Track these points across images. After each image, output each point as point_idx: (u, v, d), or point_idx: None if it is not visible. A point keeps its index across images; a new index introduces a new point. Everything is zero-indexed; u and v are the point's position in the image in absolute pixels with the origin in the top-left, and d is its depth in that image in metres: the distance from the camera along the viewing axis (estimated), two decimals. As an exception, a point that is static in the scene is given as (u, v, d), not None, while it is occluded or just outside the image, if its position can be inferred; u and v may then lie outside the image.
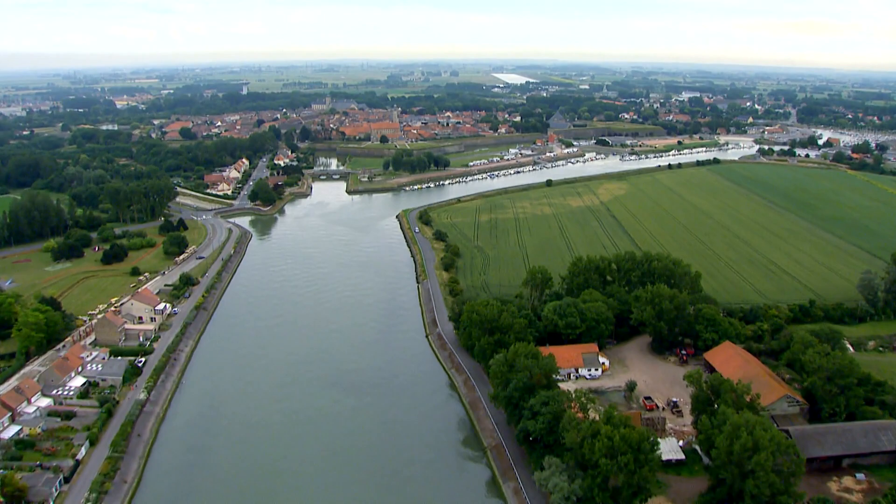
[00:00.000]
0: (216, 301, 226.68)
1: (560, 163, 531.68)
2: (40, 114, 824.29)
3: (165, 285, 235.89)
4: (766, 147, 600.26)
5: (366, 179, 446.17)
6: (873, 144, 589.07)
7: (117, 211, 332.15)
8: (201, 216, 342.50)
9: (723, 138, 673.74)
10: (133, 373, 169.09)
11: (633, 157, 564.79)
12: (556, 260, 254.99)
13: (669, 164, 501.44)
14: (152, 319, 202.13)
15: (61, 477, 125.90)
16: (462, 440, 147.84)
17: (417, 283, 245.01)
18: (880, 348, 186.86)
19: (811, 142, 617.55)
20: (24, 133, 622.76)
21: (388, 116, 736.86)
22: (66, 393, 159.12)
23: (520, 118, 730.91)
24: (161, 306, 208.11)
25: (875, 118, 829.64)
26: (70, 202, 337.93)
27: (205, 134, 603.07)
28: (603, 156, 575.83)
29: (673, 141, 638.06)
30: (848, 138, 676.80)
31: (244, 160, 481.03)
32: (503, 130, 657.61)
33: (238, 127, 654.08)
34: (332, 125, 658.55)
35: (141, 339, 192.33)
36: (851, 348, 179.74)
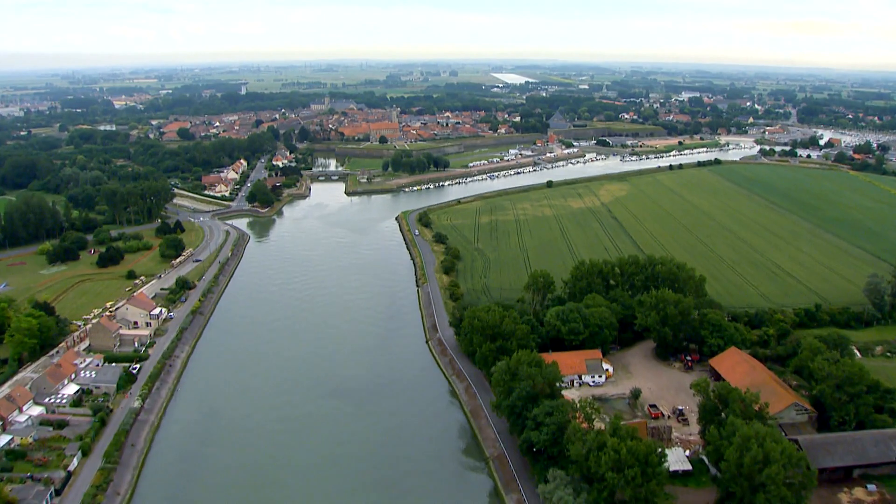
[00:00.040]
0: (213, 305, 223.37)
1: (560, 163, 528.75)
2: (38, 114, 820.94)
3: (161, 289, 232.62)
4: (767, 147, 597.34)
5: (365, 180, 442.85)
6: (875, 145, 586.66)
7: (114, 213, 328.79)
8: (198, 218, 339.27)
9: (723, 139, 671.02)
10: (127, 380, 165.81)
11: (633, 157, 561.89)
12: (557, 262, 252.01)
13: (670, 165, 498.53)
14: (148, 324, 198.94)
15: (52, 489, 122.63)
16: (463, 449, 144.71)
17: (417, 286, 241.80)
18: (888, 354, 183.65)
19: (812, 142, 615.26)
20: (22, 133, 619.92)
21: (388, 117, 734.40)
22: (58, 401, 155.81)
23: (519, 118, 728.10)
24: (157, 311, 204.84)
25: (876, 118, 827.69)
26: (66, 204, 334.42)
27: (203, 134, 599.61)
28: (603, 156, 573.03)
29: (673, 141, 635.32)
30: (849, 139, 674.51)
31: (242, 161, 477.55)
32: (503, 131, 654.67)
33: (236, 127, 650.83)
34: (330, 125, 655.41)
35: (136, 344, 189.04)
36: (859, 354, 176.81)
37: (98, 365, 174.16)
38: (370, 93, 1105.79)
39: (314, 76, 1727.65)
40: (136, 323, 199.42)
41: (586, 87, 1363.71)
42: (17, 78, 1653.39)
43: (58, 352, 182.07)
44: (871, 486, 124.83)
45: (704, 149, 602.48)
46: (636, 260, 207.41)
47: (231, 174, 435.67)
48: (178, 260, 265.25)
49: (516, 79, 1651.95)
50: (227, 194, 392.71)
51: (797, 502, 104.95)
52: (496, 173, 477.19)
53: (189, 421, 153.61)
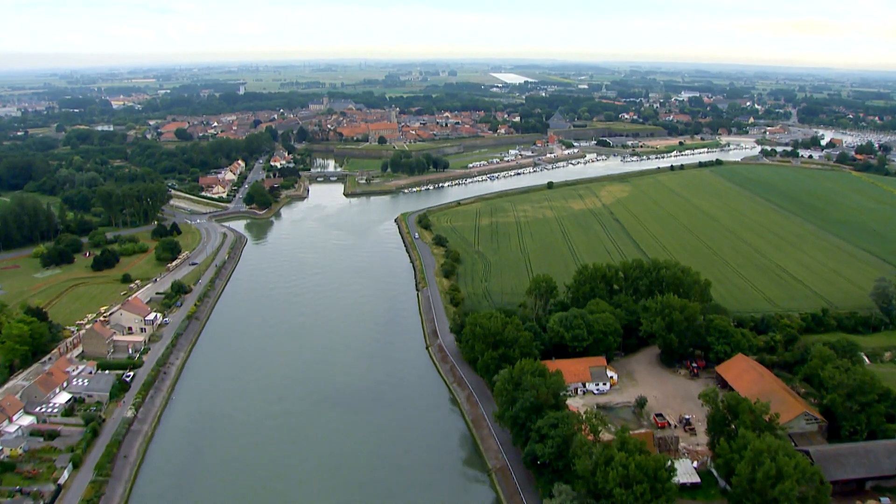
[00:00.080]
0: (209, 310, 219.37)
1: (561, 164, 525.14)
2: (35, 114, 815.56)
3: (157, 293, 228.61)
4: (768, 148, 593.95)
5: (364, 181, 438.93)
6: (877, 145, 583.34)
7: (109, 215, 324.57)
8: (195, 220, 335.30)
9: (724, 139, 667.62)
10: (121, 388, 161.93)
11: (634, 158, 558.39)
12: (559, 266, 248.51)
13: (671, 166, 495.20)
14: (142, 330, 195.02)
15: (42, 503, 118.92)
16: (464, 460, 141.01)
17: (417, 290, 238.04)
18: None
19: (814, 142, 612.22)
20: (19, 134, 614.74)
21: (387, 117, 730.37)
22: (49, 410, 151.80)
23: (519, 118, 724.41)
24: (151, 316, 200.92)
25: (876, 118, 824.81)
26: (61, 206, 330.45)
27: (201, 135, 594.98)
28: (604, 157, 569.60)
29: (674, 141, 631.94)
30: (850, 139, 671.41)
31: (240, 162, 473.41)
32: (503, 131, 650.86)
33: (234, 127, 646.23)
34: (329, 126, 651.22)
35: (130, 351, 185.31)
36: (868, 360, 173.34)
37: (91, 372, 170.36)
38: (369, 93, 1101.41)
39: (313, 76, 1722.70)
40: (130, 329, 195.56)
41: (586, 86, 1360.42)
42: (16, 78, 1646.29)
43: (50, 358, 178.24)
44: (885, 500, 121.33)
45: (705, 149, 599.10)
46: (640, 264, 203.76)
47: (229, 175, 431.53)
48: (174, 263, 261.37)
49: (516, 78, 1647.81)
50: (224, 196, 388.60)
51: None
52: (496, 174, 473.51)
53: (184, 431, 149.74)
